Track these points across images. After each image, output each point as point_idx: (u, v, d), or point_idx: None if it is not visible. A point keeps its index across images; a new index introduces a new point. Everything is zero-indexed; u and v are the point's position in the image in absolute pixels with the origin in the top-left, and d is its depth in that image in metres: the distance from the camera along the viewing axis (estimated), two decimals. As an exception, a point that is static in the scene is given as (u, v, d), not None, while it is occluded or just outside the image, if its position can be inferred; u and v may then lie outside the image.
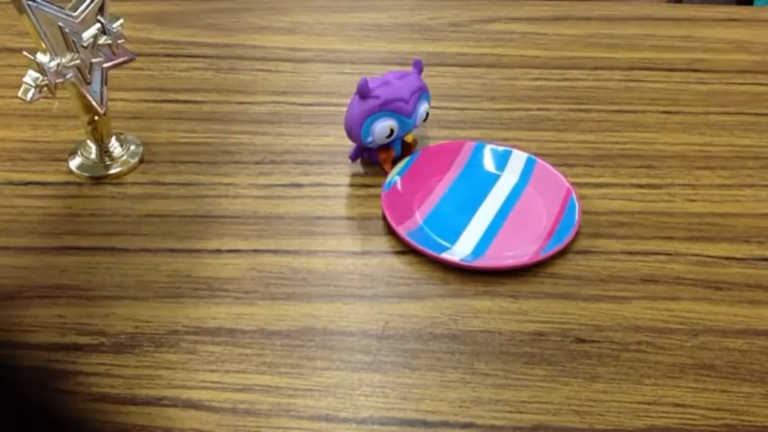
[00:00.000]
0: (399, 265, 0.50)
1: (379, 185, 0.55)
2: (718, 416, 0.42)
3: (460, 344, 0.45)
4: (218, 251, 0.51)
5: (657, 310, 0.48)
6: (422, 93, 0.56)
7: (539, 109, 0.65)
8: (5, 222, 0.52)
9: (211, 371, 0.43)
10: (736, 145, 0.62)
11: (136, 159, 0.58)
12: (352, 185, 0.56)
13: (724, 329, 0.46)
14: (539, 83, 0.68)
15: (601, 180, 0.58)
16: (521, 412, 0.42)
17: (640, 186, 0.57)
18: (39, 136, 0.60)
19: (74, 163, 0.58)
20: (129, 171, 0.58)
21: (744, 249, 0.52)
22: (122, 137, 0.59)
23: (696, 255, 0.51)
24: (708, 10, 0.81)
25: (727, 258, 0.51)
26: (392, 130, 0.55)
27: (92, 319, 0.46)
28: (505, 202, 0.55)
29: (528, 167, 0.57)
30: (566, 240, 0.50)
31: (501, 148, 0.58)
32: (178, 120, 0.63)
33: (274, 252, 0.51)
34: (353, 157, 0.58)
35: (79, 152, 0.58)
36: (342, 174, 0.57)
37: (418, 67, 0.57)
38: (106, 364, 0.43)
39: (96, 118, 0.56)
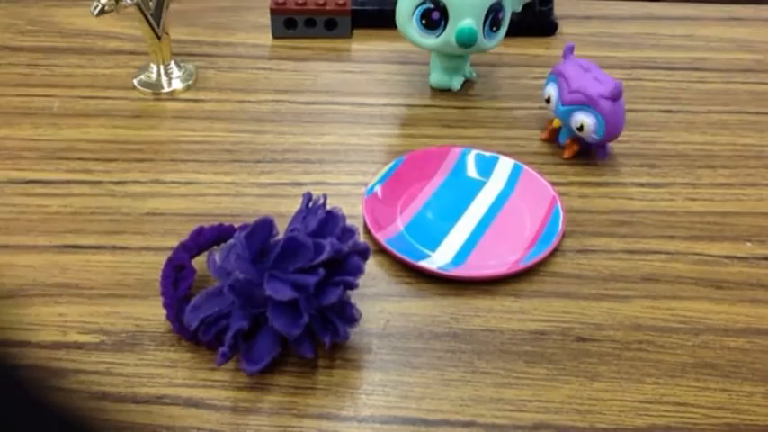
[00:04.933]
0: (400, 263, 0.50)
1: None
2: (720, 415, 0.42)
3: (461, 342, 0.45)
4: (219, 250, 0.51)
5: (658, 308, 0.47)
6: (585, 105, 0.55)
7: (540, 108, 0.65)
8: (6, 221, 0.52)
9: (212, 369, 0.43)
10: (738, 144, 0.62)
11: (190, 81, 0.66)
12: (353, 184, 0.56)
13: (725, 328, 0.46)
14: (540, 82, 0.68)
15: (602, 179, 0.58)
16: (522, 411, 0.42)
17: (641, 185, 0.57)
18: (40, 134, 0.60)
19: (137, 80, 0.66)
20: (183, 91, 0.66)
21: (745, 248, 0.52)
22: (181, 62, 0.68)
23: (697, 254, 0.51)
24: (709, 9, 0.81)
25: (728, 257, 0.51)
26: (549, 98, 0.59)
27: (93, 317, 0.46)
28: (489, 210, 0.54)
29: (514, 175, 0.56)
30: (547, 251, 0.50)
31: (488, 155, 0.57)
32: (179, 118, 0.63)
33: (275, 251, 0.51)
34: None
35: (143, 71, 0.67)
36: (343, 172, 0.57)
37: (615, 90, 0.55)
38: (107, 362, 0.43)
39: (157, 41, 0.65)
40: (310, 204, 0.44)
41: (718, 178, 0.58)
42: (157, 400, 0.42)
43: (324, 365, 0.44)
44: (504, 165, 0.57)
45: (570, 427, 0.41)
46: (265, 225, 0.41)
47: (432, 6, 0.59)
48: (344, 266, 0.41)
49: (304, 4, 0.72)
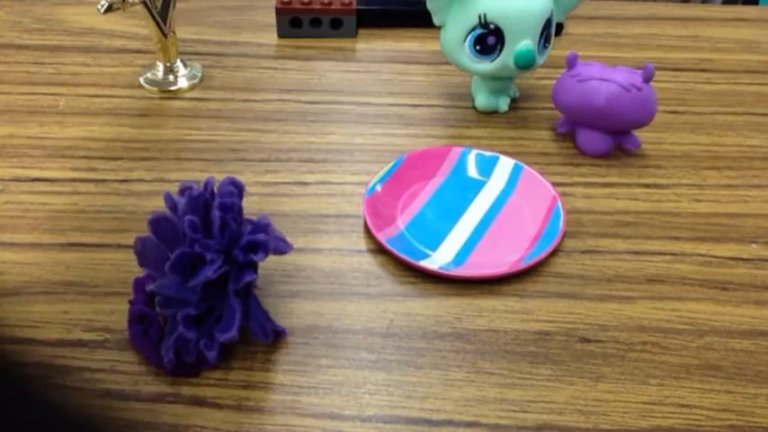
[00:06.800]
0: (404, 263, 0.50)
1: (385, 184, 0.55)
2: (724, 417, 0.42)
3: (465, 343, 0.45)
4: (224, 248, 0.51)
5: (663, 310, 0.47)
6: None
7: (544, 108, 0.65)
8: (11, 218, 0.53)
9: (216, 368, 0.43)
10: (744, 145, 0.61)
11: (196, 80, 0.67)
12: (356, 183, 0.56)
13: (730, 330, 0.46)
14: (545, 82, 0.68)
15: (607, 179, 0.58)
16: (525, 411, 0.42)
17: (647, 186, 0.57)
18: (45, 132, 0.61)
19: (143, 78, 0.67)
20: (189, 89, 0.66)
21: (750, 250, 0.52)
22: (187, 60, 0.68)
23: (702, 255, 0.51)
24: (715, 9, 0.81)
25: (733, 259, 0.51)
26: None
27: (97, 315, 0.46)
28: (490, 210, 0.54)
29: (515, 174, 0.56)
30: (547, 250, 0.49)
31: (488, 154, 0.57)
32: (185, 117, 0.63)
33: (279, 250, 0.51)
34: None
35: (149, 69, 0.67)
36: (347, 172, 0.57)
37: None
38: (111, 360, 0.44)
39: (164, 39, 0.65)
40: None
41: (723, 179, 0.58)
42: (161, 398, 0.42)
43: (327, 365, 0.44)
44: (505, 164, 0.57)
45: (574, 428, 0.41)
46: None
47: (486, 31, 0.58)
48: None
49: (309, 3, 0.72)
